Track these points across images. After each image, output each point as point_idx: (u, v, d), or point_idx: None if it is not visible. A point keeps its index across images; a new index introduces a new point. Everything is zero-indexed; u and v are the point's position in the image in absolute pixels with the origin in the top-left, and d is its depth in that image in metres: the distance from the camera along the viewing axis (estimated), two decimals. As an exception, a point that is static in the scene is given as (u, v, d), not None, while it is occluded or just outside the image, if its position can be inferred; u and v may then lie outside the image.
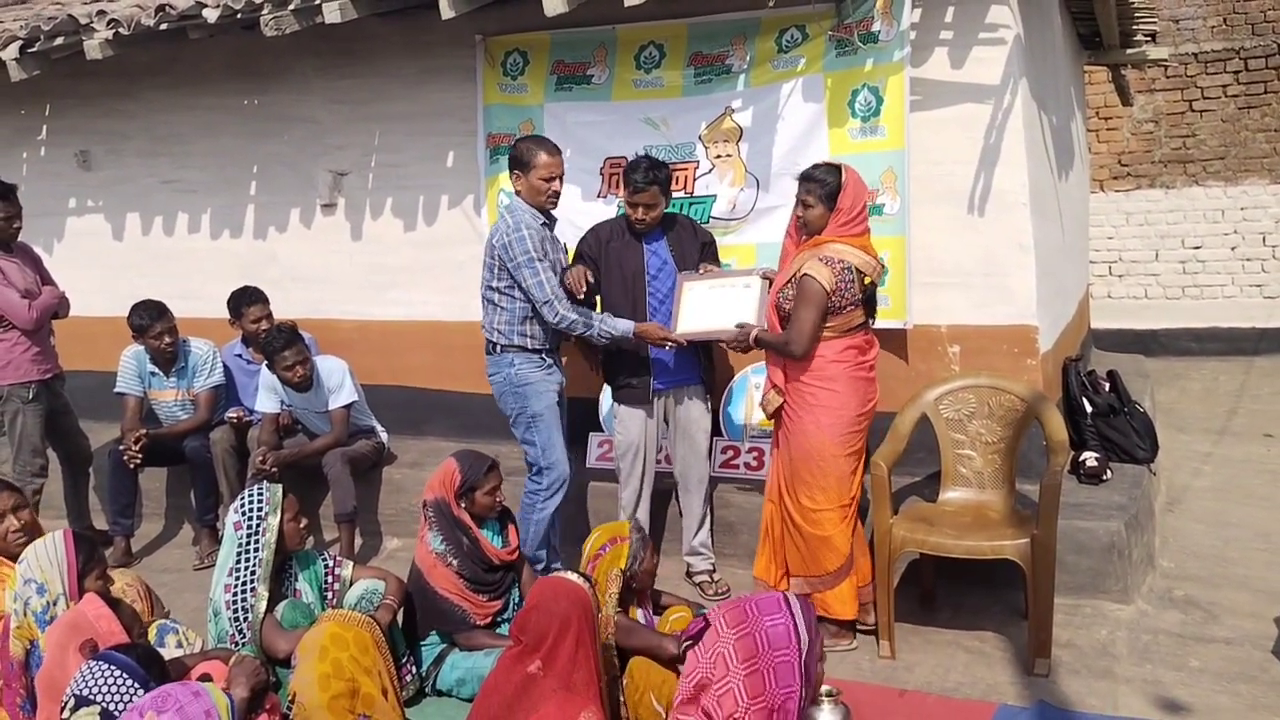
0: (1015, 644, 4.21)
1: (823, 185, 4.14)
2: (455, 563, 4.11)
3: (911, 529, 4.16)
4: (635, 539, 3.81)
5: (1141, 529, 4.79)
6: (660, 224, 4.80)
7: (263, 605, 3.75)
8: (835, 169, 4.21)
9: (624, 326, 4.63)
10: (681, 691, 3.01)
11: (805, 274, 4.07)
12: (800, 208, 4.21)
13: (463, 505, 4.17)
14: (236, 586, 3.82)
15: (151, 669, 3.07)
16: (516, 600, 4.24)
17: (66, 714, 2.91)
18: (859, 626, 4.31)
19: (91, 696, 2.91)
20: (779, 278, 4.33)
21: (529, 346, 4.71)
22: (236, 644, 3.79)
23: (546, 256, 4.61)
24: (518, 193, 4.71)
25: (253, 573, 3.81)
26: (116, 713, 2.93)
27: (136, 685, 2.99)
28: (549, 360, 4.77)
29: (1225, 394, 8.63)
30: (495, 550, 4.18)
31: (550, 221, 4.76)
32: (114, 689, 2.93)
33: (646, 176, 4.65)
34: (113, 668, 2.98)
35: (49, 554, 3.37)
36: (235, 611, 3.80)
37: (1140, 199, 10.93)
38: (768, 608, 3.08)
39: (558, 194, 4.71)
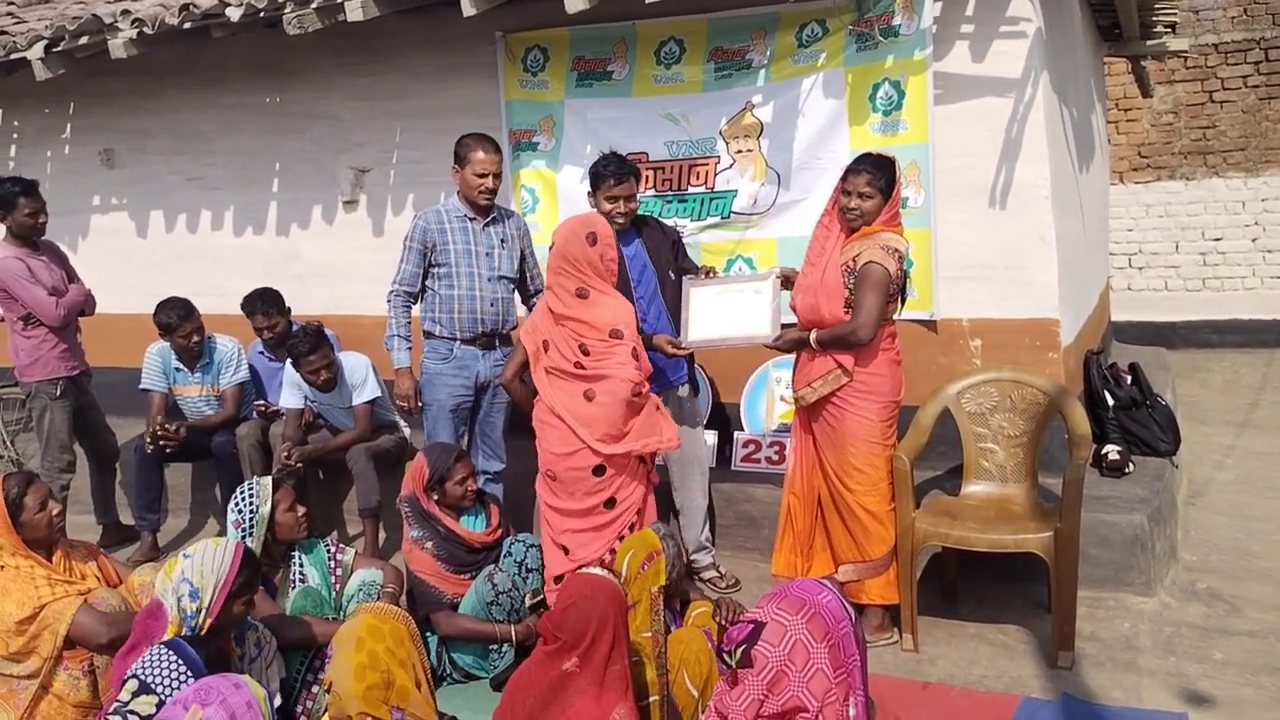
0: (1038, 637, 4.22)
1: (882, 176, 4.09)
2: (431, 545, 4.22)
3: (934, 522, 4.17)
4: (670, 549, 3.70)
5: (1164, 522, 4.78)
6: (632, 226, 4.76)
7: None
8: (890, 161, 4.16)
9: (395, 359, 4.91)
10: (750, 692, 2.98)
11: (871, 261, 4.03)
12: (855, 199, 4.10)
13: (434, 497, 4.27)
14: None
15: (214, 672, 3.08)
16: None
17: (126, 696, 2.93)
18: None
19: (153, 685, 2.93)
20: (822, 263, 4.24)
21: (435, 333, 4.94)
22: None
23: (425, 246, 4.85)
24: (458, 188, 4.91)
25: None
26: None
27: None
28: (458, 351, 4.91)
29: (1247, 386, 8.61)
30: (472, 535, 4.28)
31: (481, 215, 4.91)
32: (176, 684, 2.95)
33: (623, 166, 4.66)
34: (180, 662, 2.99)
35: (214, 562, 3.27)
36: None
37: (1160, 191, 10.88)
38: (813, 589, 3.10)
39: (490, 190, 4.85)
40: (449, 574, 4.21)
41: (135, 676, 2.97)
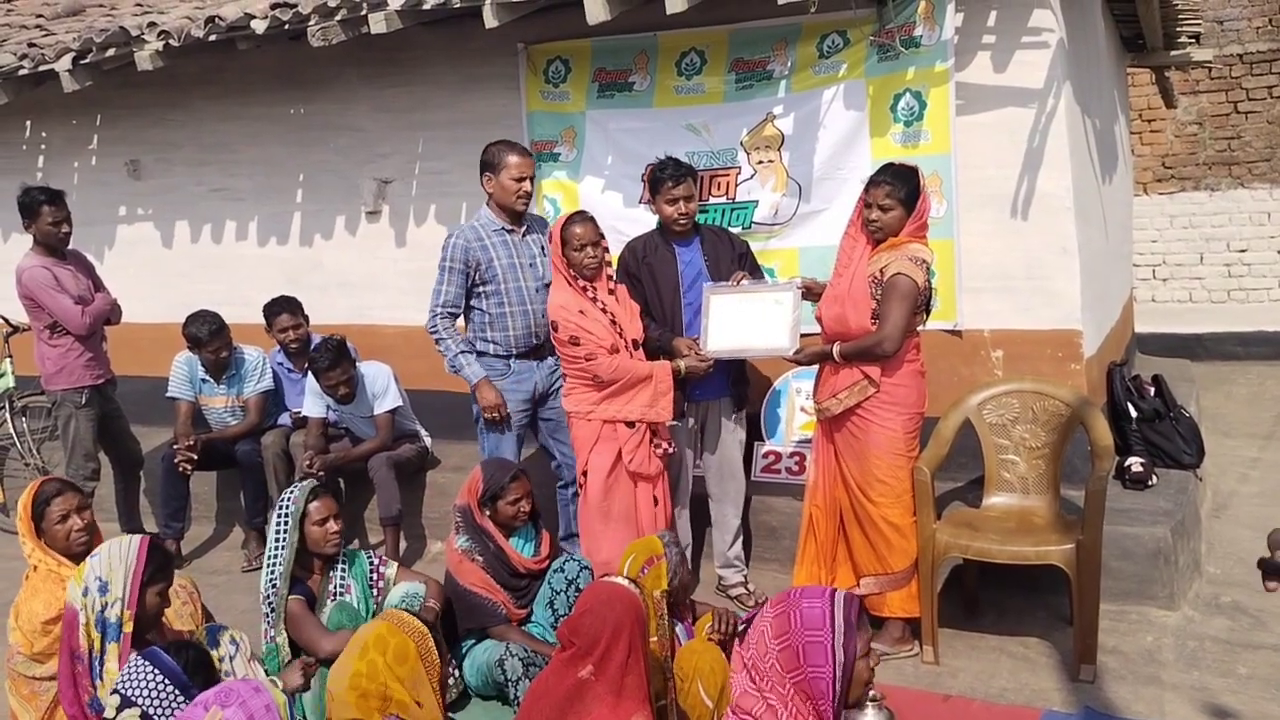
0: (1060, 650, 4.19)
1: (903, 188, 4.05)
2: (481, 559, 4.14)
3: (955, 534, 4.16)
4: (673, 555, 3.73)
5: (1188, 535, 4.75)
6: (694, 232, 4.78)
7: (282, 601, 3.84)
8: (912, 171, 4.12)
9: (470, 374, 4.80)
10: (738, 685, 2.96)
11: (900, 273, 4.00)
12: (875, 211, 4.08)
13: (486, 513, 4.19)
14: (267, 581, 3.91)
15: (197, 675, 3.10)
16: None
17: (111, 713, 2.97)
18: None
19: (134, 698, 2.97)
20: (849, 274, 4.20)
21: (490, 352, 4.88)
22: (269, 636, 3.88)
23: (467, 266, 4.79)
24: (489, 196, 4.87)
25: (280, 568, 3.90)
26: (156, 717, 2.98)
27: (177, 692, 3.03)
28: (515, 366, 4.89)
29: (1272, 398, 8.51)
30: (521, 559, 4.19)
31: (516, 225, 4.89)
32: (155, 693, 2.98)
33: (680, 167, 4.66)
34: (156, 671, 3.03)
35: (120, 554, 3.39)
36: (266, 606, 3.90)
37: (1184, 201, 10.81)
38: (810, 593, 3.03)
39: (528, 194, 4.84)
40: (498, 588, 4.14)
41: (117, 692, 3.01)
